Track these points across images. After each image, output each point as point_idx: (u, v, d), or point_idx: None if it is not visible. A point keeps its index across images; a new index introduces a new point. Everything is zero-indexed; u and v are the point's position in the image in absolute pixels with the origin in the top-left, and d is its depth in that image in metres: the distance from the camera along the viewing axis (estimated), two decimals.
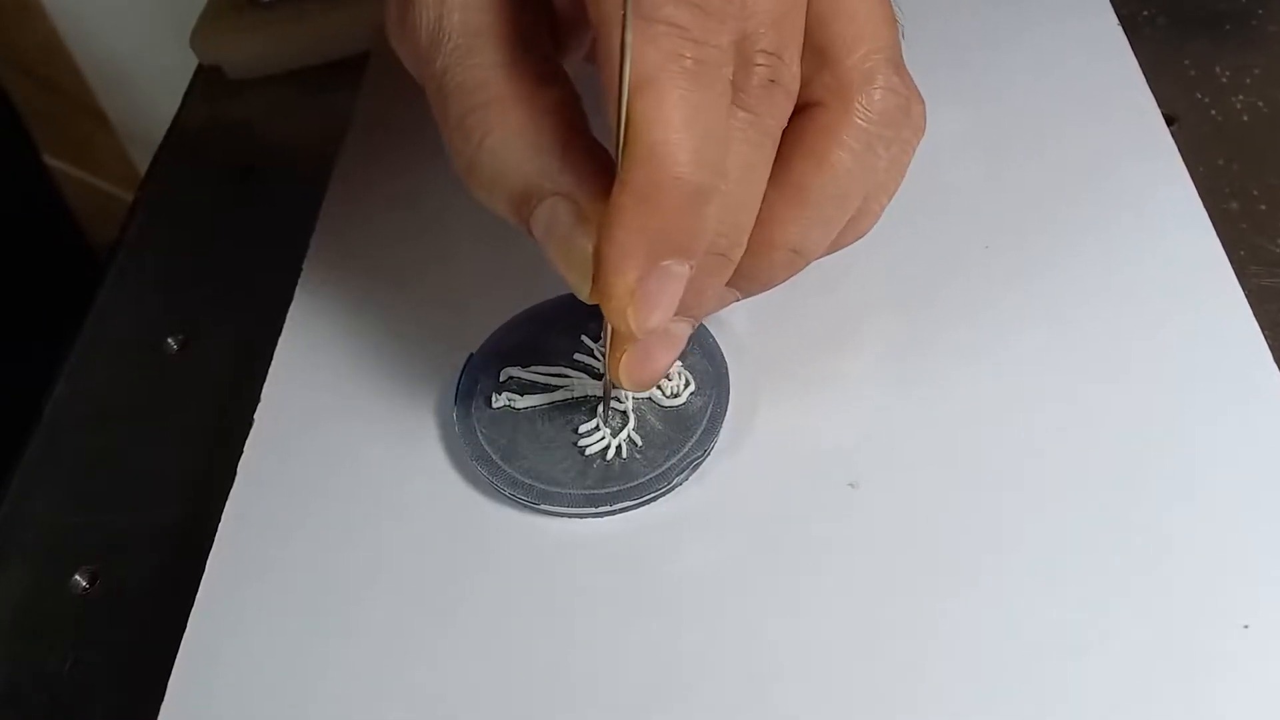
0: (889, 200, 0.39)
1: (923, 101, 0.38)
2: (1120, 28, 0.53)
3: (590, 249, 0.33)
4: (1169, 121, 0.49)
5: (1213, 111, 0.51)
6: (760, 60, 0.33)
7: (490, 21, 0.35)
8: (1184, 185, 0.46)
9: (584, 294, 0.34)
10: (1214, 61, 0.53)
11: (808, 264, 0.38)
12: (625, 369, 0.37)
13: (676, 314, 0.34)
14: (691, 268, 0.33)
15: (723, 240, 0.34)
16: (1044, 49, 0.53)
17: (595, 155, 0.34)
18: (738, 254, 0.35)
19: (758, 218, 0.35)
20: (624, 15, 0.30)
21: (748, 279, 0.38)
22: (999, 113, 0.51)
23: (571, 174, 0.34)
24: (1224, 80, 0.52)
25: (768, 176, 0.35)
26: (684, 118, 0.31)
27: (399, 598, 0.39)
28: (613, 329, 0.37)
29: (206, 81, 0.66)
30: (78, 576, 0.44)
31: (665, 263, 0.32)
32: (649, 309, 0.33)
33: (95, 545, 0.45)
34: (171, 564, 0.43)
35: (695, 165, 0.31)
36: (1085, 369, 0.41)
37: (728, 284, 0.37)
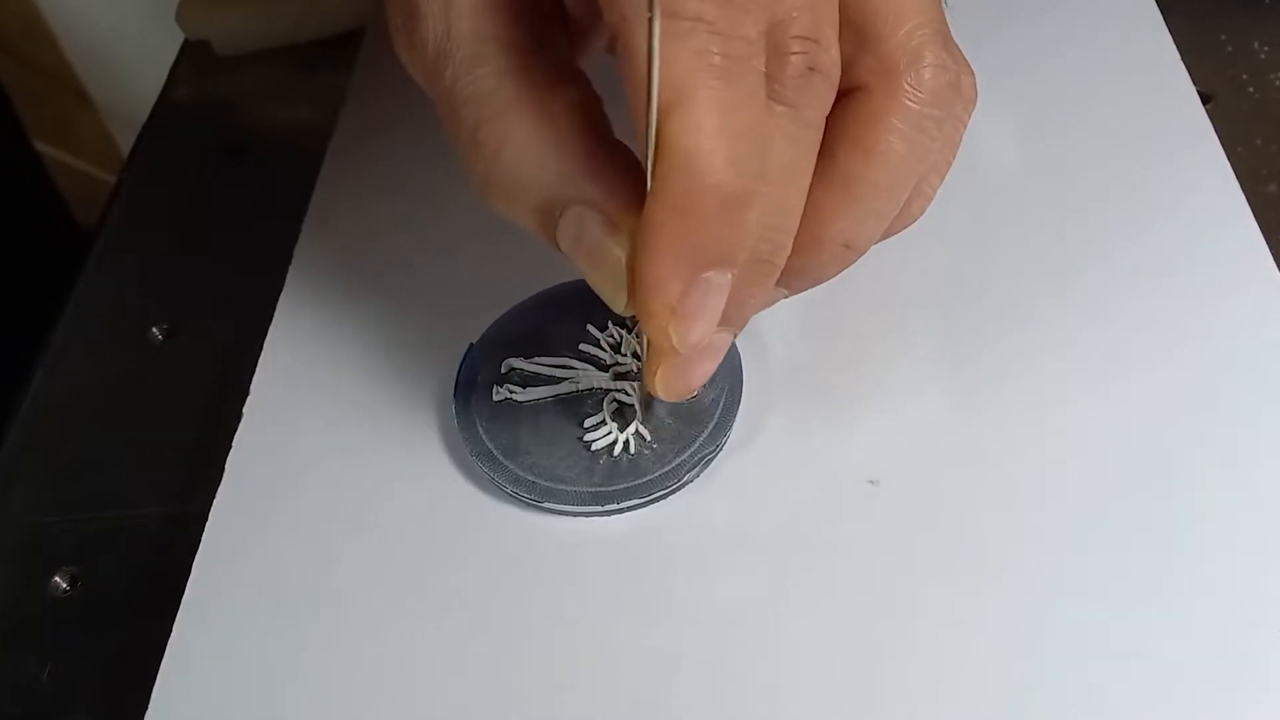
0: (941, 181, 0.38)
1: (972, 72, 0.37)
2: (1154, 2, 0.52)
3: (623, 258, 0.33)
4: (1205, 100, 0.49)
5: (1251, 90, 0.51)
6: (795, 48, 0.32)
7: (499, 27, 0.34)
8: (1221, 167, 0.46)
9: (619, 306, 0.34)
10: (1252, 37, 0.53)
11: (859, 258, 0.37)
12: (664, 383, 0.36)
13: (718, 325, 0.33)
14: (733, 277, 0.32)
15: (765, 245, 0.33)
16: (1075, 25, 0.53)
17: (620, 159, 0.34)
18: (783, 257, 0.34)
19: (804, 214, 0.34)
20: (650, 18, 0.29)
21: (796, 276, 0.37)
22: (1027, 91, 0.50)
23: (596, 180, 0.33)
24: (1262, 57, 0.52)
25: (810, 172, 0.34)
26: (717, 121, 0.30)
27: (395, 601, 0.39)
28: (649, 343, 0.36)
29: (193, 58, 0.66)
30: (57, 579, 0.43)
31: (706, 275, 0.31)
32: (692, 324, 0.32)
33: (75, 546, 0.44)
34: (156, 565, 0.43)
35: (733, 171, 0.30)
36: (1117, 359, 0.41)
37: (777, 283, 0.36)
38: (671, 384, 0.36)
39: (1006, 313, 0.43)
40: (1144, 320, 0.42)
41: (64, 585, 0.43)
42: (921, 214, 0.39)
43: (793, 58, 0.32)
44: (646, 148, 0.30)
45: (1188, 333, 0.42)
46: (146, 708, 0.37)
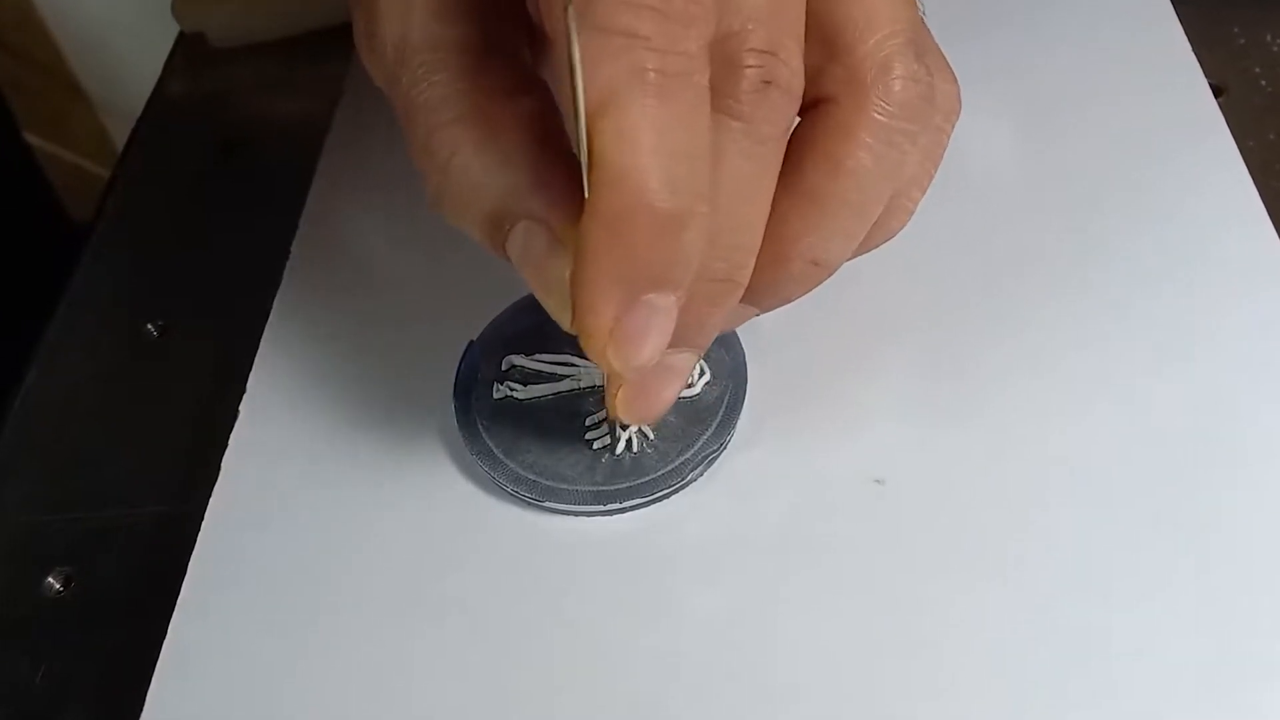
0: (922, 195, 0.37)
1: (954, 81, 0.36)
2: None
3: (567, 276, 0.32)
4: (1217, 93, 0.49)
5: (1263, 82, 0.51)
6: (750, 61, 0.31)
7: (457, 33, 0.34)
8: (1233, 161, 0.46)
9: (565, 324, 0.33)
10: (1264, 29, 0.53)
11: (831, 274, 0.36)
12: (623, 405, 0.36)
13: (674, 345, 0.33)
14: (680, 298, 0.31)
15: (721, 265, 0.33)
16: (1084, 16, 0.52)
17: (572, 173, 0.32)
18: (743, 276, 0.34)
19: (769, 230, 0.34)
20: (568, 29, 0.28)
21: (765, 294, 0.36)
22: (1035, 84, 0.50)
23: (544, 195, 0.33)
24: (1275, 49, 0.52)
25: (772, 188, 0.33)
26: (651, 139, 0.29)
27: (393, 602, 0.39)
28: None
29: (188, 50, 0.66)
30: (50, 579, 0.43)
31: (646, 297, 0.31)
32: (632, 348, 0.31)
33: (69, 545, 0.44)
34: (151, 565, 0.43)
35: (668, 190, 0.29)
36: (1126, 357, 0.41)
37: (744, 301, 0.36)
38: (631, 408, 0.36)
39: (1014, 310, 0.43)
40: (1153, 317, 0.42)
41: (58, 585, 0.43)
42: (901, 229, 0.38)
43: (747, 71, 0.31)
44: (581, 165, 0.30)
45: (1198, 329, 0.41)
46: (141, 711, 0.37)
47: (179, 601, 0.40)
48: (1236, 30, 0.53)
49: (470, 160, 0.33)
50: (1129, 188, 0.46)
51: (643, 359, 0.32)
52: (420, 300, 0.47)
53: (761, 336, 0.43)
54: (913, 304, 0.44)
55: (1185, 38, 0.50)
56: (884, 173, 0.34)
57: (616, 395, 0.36)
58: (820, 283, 0.36)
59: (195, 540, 0.41)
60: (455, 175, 0.33)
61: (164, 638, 0.39)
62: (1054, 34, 0.52)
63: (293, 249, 0.50)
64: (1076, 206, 0.46)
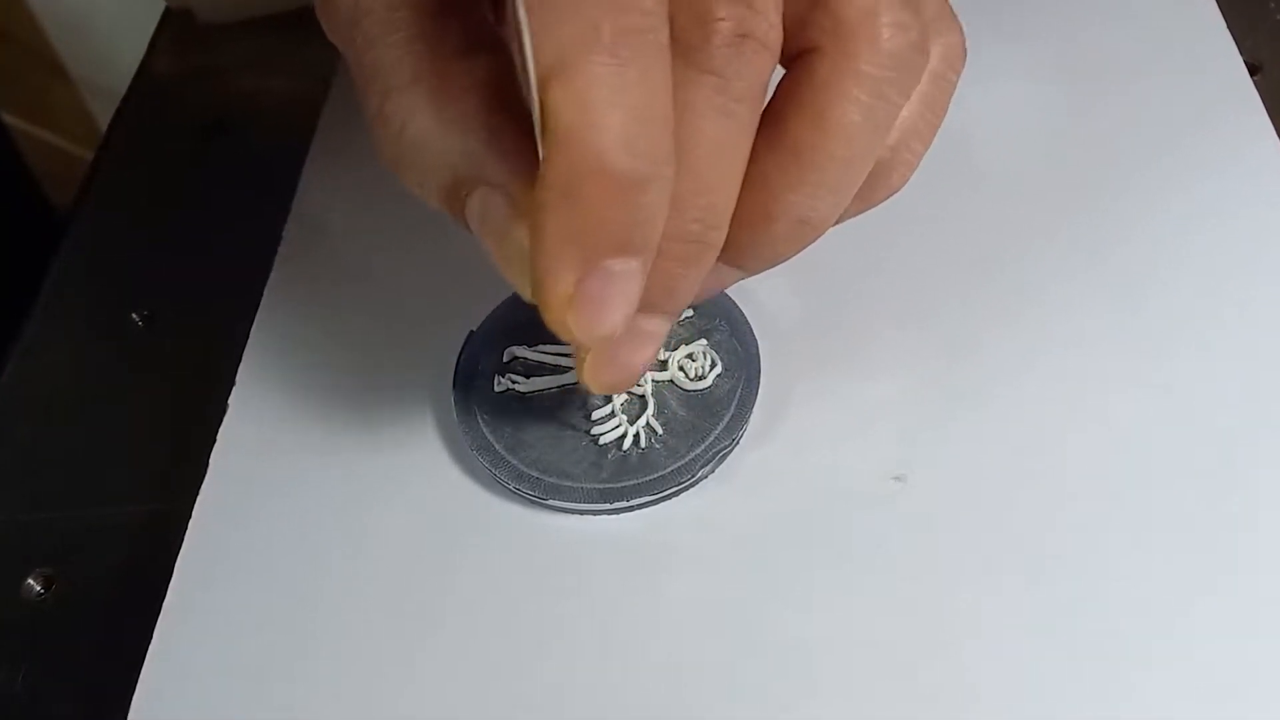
0: (925, 148, 0.37)
1: (957, 31, 0.36)
2: None
3: (526, 243, 0.32)
4: (1252, 71, 0.49)
5: None
6: (721, 13, 0.31)
7: None
8: (1269, 140, 0.46)
9: (526, 294, 0.33)
10: None
11: (821, 234, 0.36)
12: (590, 373, 0.35)
13: (644, 310, 0.32)
14: (645, 262, 0.31)
15: (694, 226, 0.33)
16: None
17: (530, 138, 0.32)
18: (717, 237, 0.33)
19: (753, 188, 0.33)
20: None
21: (749, 256, 0.36)
22: (1066, 60, 0.50)
23: (502, 161, 0.33)
24: None
25: (748, 147, 0.33)
26: (605, 98, 0.29)
27: (390, 605, 0.39)
28: None
29: (175, 27, 0.66)
30: (31, 581, 0.43)
31: (605, 262, 0.30)
32: (593, 315, 0.31)
33: (50, 546, 0.44)
34: (135, 567, 0.43)
35: (625, 152, 0.29)
36: (1163, 347, 0.41)
37: (727, 262, 0.36)
38: (598, 375, 0.36)
39: (1040, 296, 0.43)
40: (1186, 303, 0.42)
41: (38, 588, 0.43)
42: (904, 183, 0.37)
43: (719, 25, 0.31)
44: (536, 128, 0.30)
45: (1233, 316, 0.41)
46: (126, 717, 0.37)
47: (165, 604, 0.40)
48: (1273, 8, 0.53)
49: (426, 126, 0.33)
50: (1162, 167, 0.46)
51: (605, 327, 0.31)
52: (418, 288, 0.47)
53: (775, 328, 0.43)
54: (932, 293, 0.44)
55: (1220, 14, 0.51)
56: (873, 126, 0.34)
57: (584, 364, 0.35)
58: (810, 243, 0.36)
59: (182, 540, 0.41)
60: (410, 142, 0.33)
61: (149, 641, 0.39)
62: (1089, 10, 0.52)
63: (284, 235, 0.50)
64: (1108, 187, 0.46)
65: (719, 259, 0.35)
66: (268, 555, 0.40)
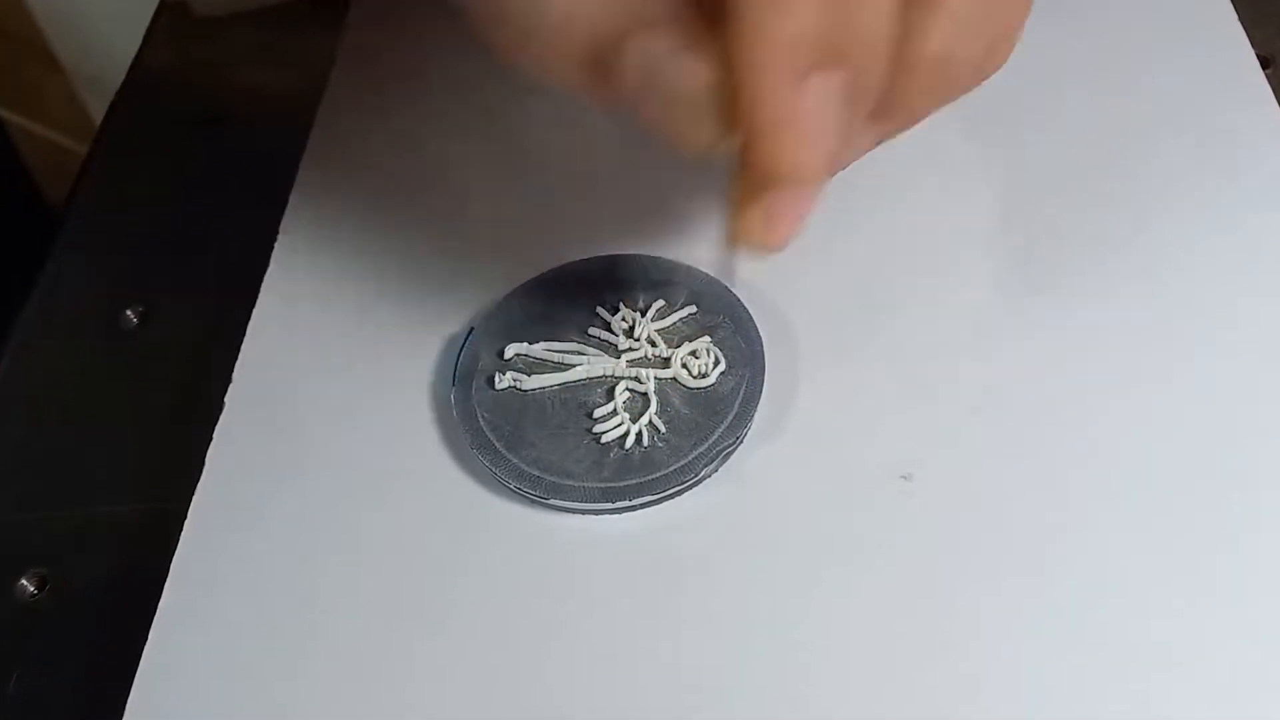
0: (1024, 21, 0.35)
1: None
2: None
3: (709, 81, 0.30)
4: (1264, 64, 0.49)
5: None
6: None
7: None
8: None
9: (705, 141, 0.31)
10: None
11: (957, 93, 0.35)
12: (759, 224, 0.33)
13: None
14: (844, 84, 0.30)
15: (857, 53, 0.31)
16: None
17: None
18: (877, 72, 0.32)
19: (896, 30, 0.32)
20: None
21: (890, 108, 0.34)
22: (1077, 55, 0.50)
23: (664, 2, 0.30)
24: None
25: None
26: None
27: (389, 606, 0.39)
28: (743, 180, 0.33)
29: (170, 19, 0.66)
30: (24, 581, 0.43)
31: (819, 74, 0.29)
32: (809, 136, 0.30)
33: (44, 546, 0.44)
34: (130, 567, 0.43)
35: None
36: (1168, 342, 0.41)
37: (874, 118, 0.34)
38: (770, 225, 0.33)
39: (1049, 292, 0.43)
40: (1198, 300, 0.42)
41: (32, 588, 0.43)
42: (1006, 59, 0.36)
43: None
44: None
45: (1244, 313, 0.41)
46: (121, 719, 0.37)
47: (161, 604, 0.40)
48: None
49: None
50: (1173, 162, 0.46)
51: (816, 152, 0.30)
52: (417, 283, 0.47)
53: (781, 324, 0.43)
54: (941, 289, 0.44)
55: (1232, 8, 0.51)
56: None
57: (746, 215, 0.33)
58: (945, 101, 0.35)
59: (178, 540, 0.41)
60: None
61: (145, 643, 0.39)
62: (1098, 2, 0.52)
63: (281, 229, 0.50)
64: (1118, 181, 0.46)
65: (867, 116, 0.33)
66: (265, 555, 0.40)
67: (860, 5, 0.30)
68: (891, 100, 0.33)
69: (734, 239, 0.33)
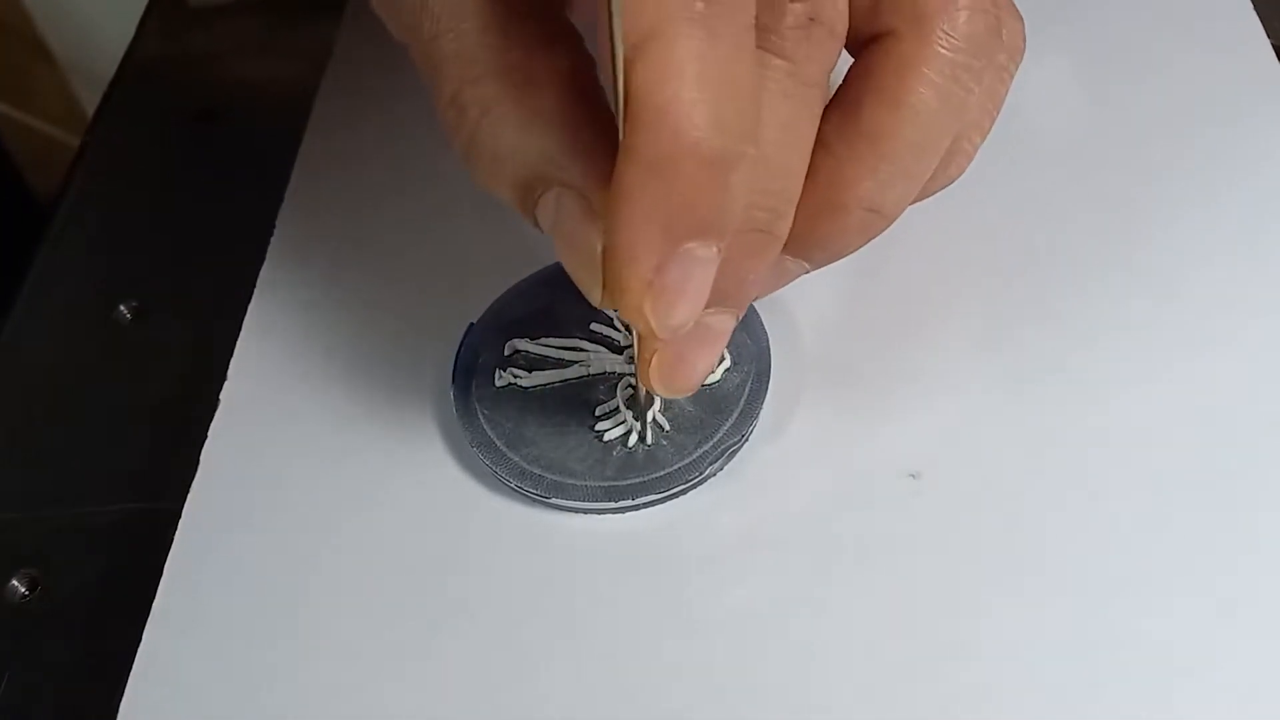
0: (983, 139, 0.37)
1: (1019, 18, 0.36)
2: None
3: (599, 247, 0.32)
4: None
5: None
6: None
7: None
8: None
9: (595, 298, 0.33)
10: None
11: (888, 225, 0.36)
12: (657, 374, 0.35)
13: (711, 305, 0.32)
14: (720, 250, 0.31)
15: (761, 214, 0.33)
16: None
17: (609, 136, 0.32)
18: (783, 227, 0.34)
19: (824, 177, 0.34)
20: None
21: (817, 247, 0.36)
22: (1089, 44, 0.50)
23: (579, 160, 0.32)
24: None
25: (813, 133, 0.33)
26: (697, 72, 0.28)
27: (387, 607, 0.39)
28: (637, 331, 0.36)
29: (164, 9, 0.66)
30: (15, 582, 0.43)
31: (687, 246, 0.30)
32: (671, 303, 0.31)
33: (35, 546, 0.44)
34: (123, 568, 0.43)
35: (714, 127, 0.29)
36: (1188, 343, 0.41)
37: (793, 255, 0.36)
38: (667, 377, 0.36)
39: (1060, 289, 0.43)
40: (1212, 296, 0.42)
41: (22, 589, 0.43)
42: (960, 174, 0.38)
43: (792, 7, 0.31)
44: (618, 109, 0.29)
45: (1259, 309, 0.41)
46: None
47: (154, 607, 0.40)
48: None
49: (504, 120, 0.33)
50: (1187, 156, 0.46)
51: (681, 316, 0.31)
52: (416, 279, 0.47)
53: (787, 321, 0.43)
54: (950, 284, 0.44)
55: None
56: (949, 111, 0.34)
57: (650, 363, 0.35)
58: (878, 234, 0.36)
59: (172, 540, 0.41)
60: (486, 136, 0.33)
61: (138, 646, 0.39)
62: None
63: (277, 224, 0.50)
64: (1131, 176, 0.46)
65: (785, 251, 0.35)
66: (261, 555, 0.40)
67: (766, 167, 0.32)
68: (818, 239, 0.35)
69: (644, 381, 0.36)
